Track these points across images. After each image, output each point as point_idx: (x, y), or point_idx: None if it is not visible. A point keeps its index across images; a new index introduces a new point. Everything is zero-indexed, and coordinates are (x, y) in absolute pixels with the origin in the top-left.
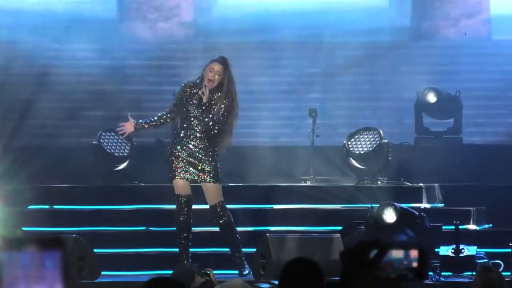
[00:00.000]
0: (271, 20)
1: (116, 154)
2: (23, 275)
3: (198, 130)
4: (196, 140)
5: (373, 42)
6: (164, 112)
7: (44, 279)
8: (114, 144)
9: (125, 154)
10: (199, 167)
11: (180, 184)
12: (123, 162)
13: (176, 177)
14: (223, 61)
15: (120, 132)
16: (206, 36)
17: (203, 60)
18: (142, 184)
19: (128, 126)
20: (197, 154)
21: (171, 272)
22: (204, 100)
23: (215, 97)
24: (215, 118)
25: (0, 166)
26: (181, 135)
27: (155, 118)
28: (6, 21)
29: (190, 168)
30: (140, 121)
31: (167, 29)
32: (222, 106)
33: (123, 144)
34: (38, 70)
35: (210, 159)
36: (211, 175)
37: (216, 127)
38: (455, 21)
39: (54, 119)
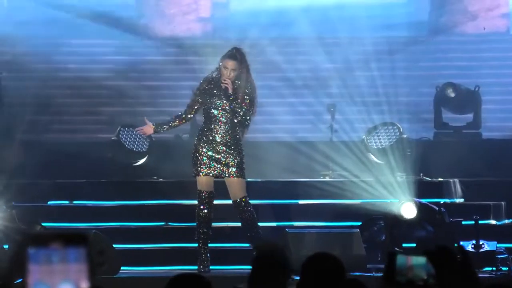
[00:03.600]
0: (288, 15)
1: (135, 149)
2: (48, 271)
3: (223, 121)
4: (221, 132)
5: (391, 37)
6: (183, 112)
7: (69, 274)
8: (133, 139)
9: (144, 150)
10: (223, 162)
11: (204, 181)
12: (142, 158)
13: (200, 174)
14: (235, 56)
15: (139, 133)
16: (223, 32)
17: (221, 55)
18: (161, 180)
19: (147, 129)
20: (221, 147)
21: (191, 267)
22: (230, 91)
23: (236, 86)
24: (243, 106)
25: (20, 162)
26: (206, 129)
27: (174, 118)
28: (26, 16)
29: (214, 164)
30: (160, 123)
31: (185, 25)
32: (246, 96)
33: (142, 139)
34: (57, 65)
35: (235, 153)
36: (236, 169)
37: (246, 120)
38: (474, 16)
39: (73, 114)
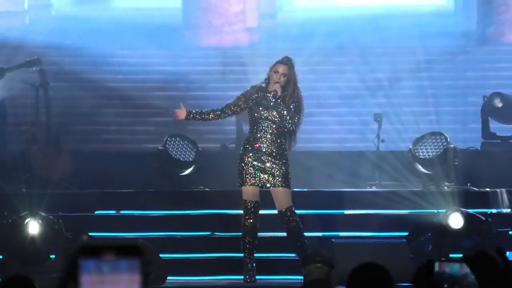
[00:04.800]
0: (335, 25)
1: (181, 159)
2: (98, 281)
3: (269, 131)
4: (267, 142)
5: (438, 47)
6: (220, 108)
7: (119, 284)
8: (179, 149)
9: (190, 160)
10: (269, 172)
11: (249, 191)
12: (188, 168)
13: (246, 184)
14: (287, 62)
15: (173, 115)
16: (270, 42)
17: (268, 66)
18: (207, 189)
19: (180, 113)
20: (267, 157)
21: (237, 277)
22: (279, 94)
23: (282, 96)
24: (289, 116)
25: (68, 172)
26: (251, 139)
27: (209, 111)
28: (74, 27)
29: (260, 174)
30: (193, 111)
31: (232, 35)
32: (291, 106)
33: (188, 149)
34: (104, 75)
35: (281, 163)
36: (281, 179)
37: (292, 124)
38: None
39: (120, 124)
